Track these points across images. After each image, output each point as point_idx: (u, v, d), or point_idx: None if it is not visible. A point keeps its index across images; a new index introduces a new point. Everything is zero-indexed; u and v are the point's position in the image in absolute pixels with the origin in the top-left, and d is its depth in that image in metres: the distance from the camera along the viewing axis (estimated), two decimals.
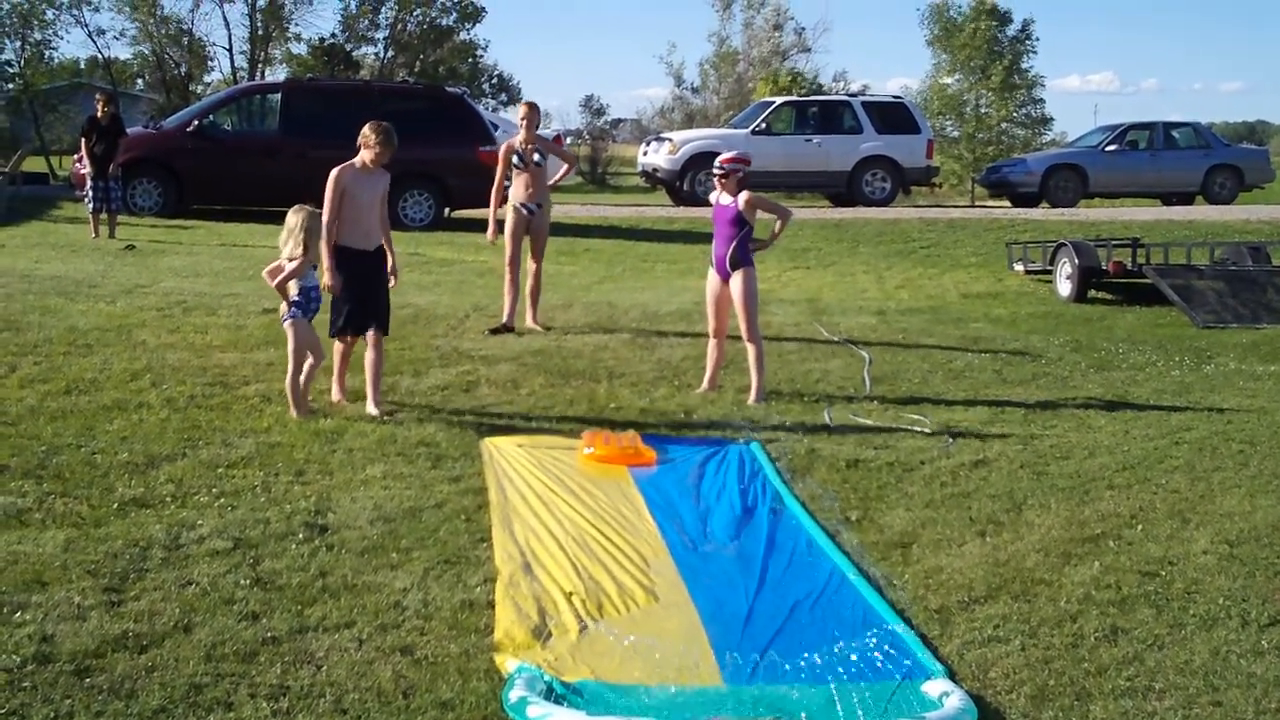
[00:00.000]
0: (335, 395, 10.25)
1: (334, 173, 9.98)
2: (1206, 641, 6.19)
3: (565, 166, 15.37)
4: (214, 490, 7.86)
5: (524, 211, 13.99)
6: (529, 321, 14.09)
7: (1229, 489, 8.86)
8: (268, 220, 19.39)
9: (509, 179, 14.03)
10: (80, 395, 9.88)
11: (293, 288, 9.59)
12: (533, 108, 14.36)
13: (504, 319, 13.91)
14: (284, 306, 9.66)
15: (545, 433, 9.75)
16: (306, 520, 7.43)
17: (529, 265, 14.15)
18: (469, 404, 10.48)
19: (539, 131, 14.19)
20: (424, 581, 6.62)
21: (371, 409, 9.80)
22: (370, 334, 9.98)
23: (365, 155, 10.04)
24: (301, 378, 9.69)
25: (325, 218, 9.74)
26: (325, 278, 9.78)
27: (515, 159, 13.92)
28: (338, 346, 10.24)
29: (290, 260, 9.54)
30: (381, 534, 7.28)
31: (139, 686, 5.26)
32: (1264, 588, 6.94)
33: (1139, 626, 6.35)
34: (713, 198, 11.40)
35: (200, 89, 58.28)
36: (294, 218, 9.65)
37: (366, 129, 10.06)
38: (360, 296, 9.97)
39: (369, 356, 9.94)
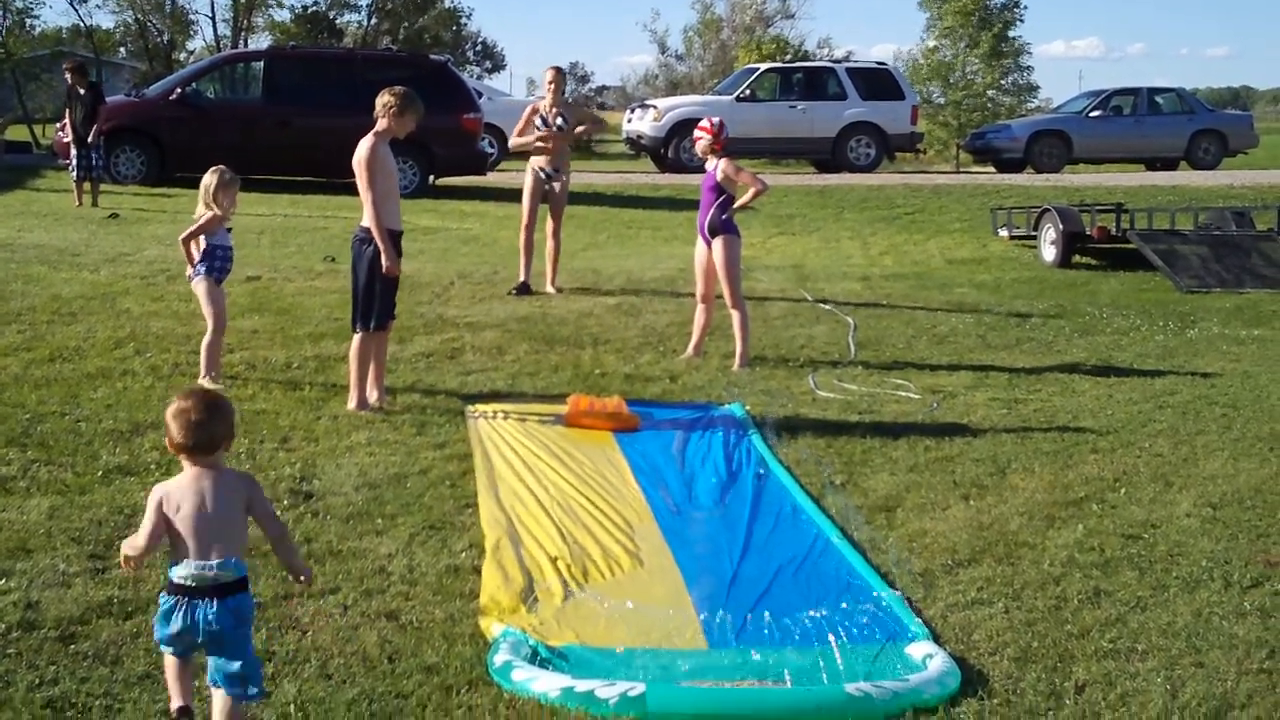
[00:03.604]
0: (374, 397, 9.25)
1: (368, 146, 8.98)
2: (1189, 603, 6.21)
3: (587, 127, 15.17)
4: None
5: (542, 175, 14.04)
6: (549, 286, 14.15)
7: (1212, 452, 8.89)
8: (251, 188, 19.32)
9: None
10: (64, 363, 9.86)
11: (201, 244, 9.42)
12: (559, 72, 14.38)
13: (521, 278, 14.08)
14: (189, 266, 9.53)
15: (530, 399, 9.75)
16: (291, 487, 7.42)
17: (547, 229, 14.24)
18: (454, 370, 10.48)
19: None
20: (409, 547, 6.62)
21: (376, 400, 9.29)
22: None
23: (390, 123, 9.06)
24: (220, 338, 9.55)
25: (370, 196, 8.92)
26: (388, 264, 8.95)
27: (539, 122, 13.94)
28: (376, 340, 9.24)
29: (199, 218, 9.35)
30: (366, 500, 7.28)
31: (124, 652, 5.26)
32: (1246, 550, 6.97)
33: (1122, 589, 6.38)
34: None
35: (183, 57, 57.94)
36: (209, 177, 9.40)
37: (385, 95, 9.07)
38: (397, 283, 9.31)
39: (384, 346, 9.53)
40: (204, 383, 9.11)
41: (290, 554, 4.81)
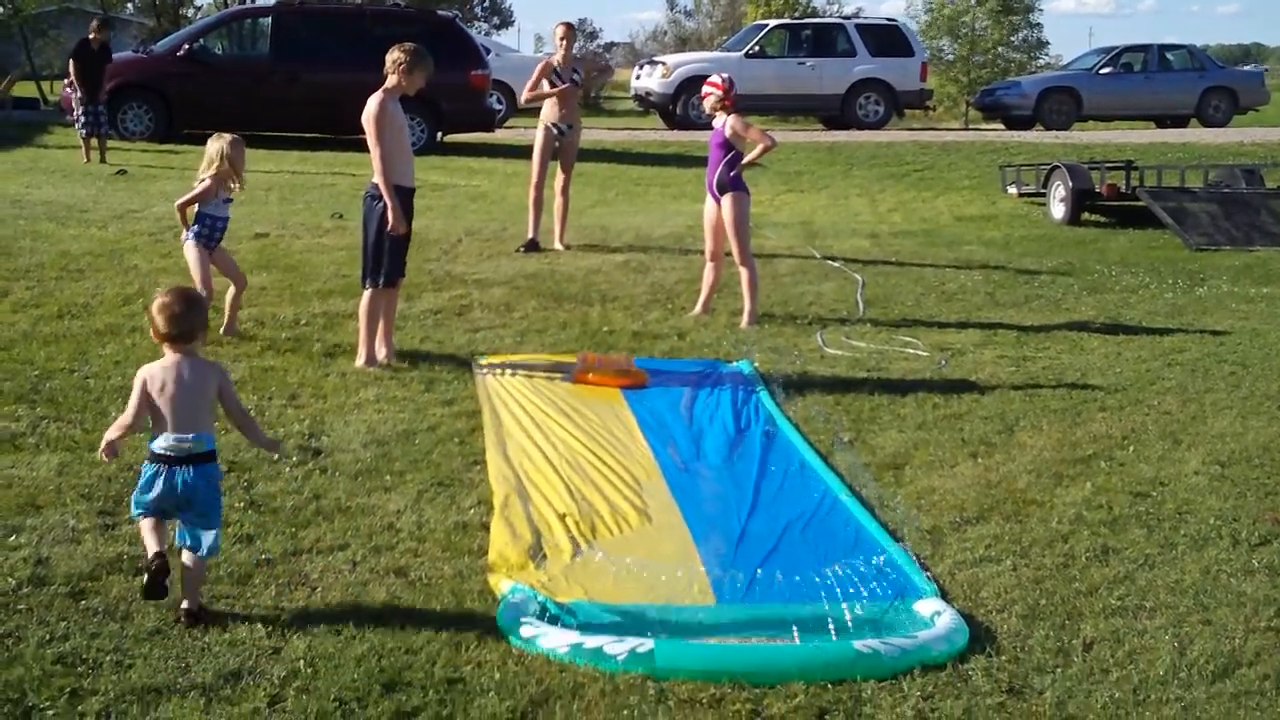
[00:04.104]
0: (382, 354, 9.27)
1: (377, 102, 8.94)
2: (1197, 561, 6.23)
3: (596, 75, 15.34)
4: None
5: (554, 131, 14.09)
6: (557, 243, 14.18)
7: (1221, 410, 8.89)
8: (259, 145, 19.32)
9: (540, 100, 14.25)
10: (73, 320, 9.86)
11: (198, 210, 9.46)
12: (570, 27, 14.41)
13: (530, 235, 14.10)
14: (184, 230, 9.55)
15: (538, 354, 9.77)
16: (300, 444, 7.43)
17: (557, 185, 14.26)
18: (462, 327, 10.48)
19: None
20: (418, 504, 6.64)
21: (384, 356, 9.29)
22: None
23: (400, 80, 8.97)
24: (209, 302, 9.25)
25: (379, 152, 8.84)
26: (394, 222, 8.91)
27: (552, 76, 13.93)
28: (385, 297, 9.27)
29: (199, 183, 9.36)
30: (375, 457, 7.29)
31: (134, 609, 5.27)
32: (1255, 508, 6.98)
33: (1130, 546, 6.39)
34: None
35: (191, 13, 57.68)
36: (214, 145, 9.37)
37: (395, 51, 8.99)
38: (408, 240, 9.33)
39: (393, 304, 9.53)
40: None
41: (256, 434, 5.68)
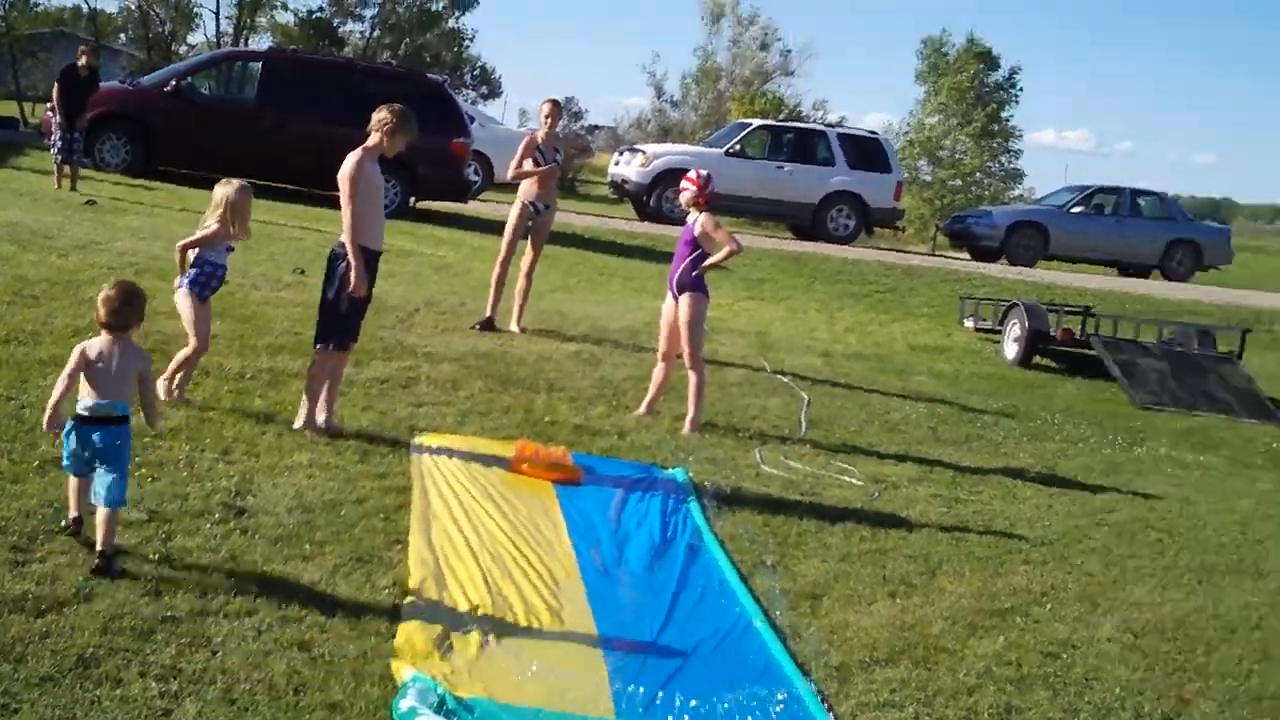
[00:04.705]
0: (321, 418, 9.13)
1: (354, 161, 8.88)
2: None
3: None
4: (137, 459, 7.76)
5: (531, 209, 14.14)
6: (513, 324, 14.22)
7: (1141, 577, 8.96)
8: None
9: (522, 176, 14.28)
10: (18, 346, 9.80)
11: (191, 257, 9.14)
12: (556, 105, 14.42)
13: (488, 313, 14.10)
14: (178, 275, 9.17)
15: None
16: (225, 500, 7.41)
17: (523, 264, 14.30)
18: (406, 400, 10.46)
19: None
20: (333, 577, 6.62)
21: (324, 421, 9.18)
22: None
23: (382, 140, 8.95)
24: (196, 359, 9.23)
25: (349, 211, 8.79)
26: (355, 284, 8.83)
27: (535, 154, 14.02)
28: (335, 360, 9.23)
29: (203, 229, 9.07)
30: (298, 523, 7.27)
31: (29, 651, 5.25)
32: (1162, 682, 7.03)
33: (1034, 707, 6.43)
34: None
35: (183, 50, 57.96)
36: (222, 190, 9.07)
37: (383, 111, 8.97)
38: (367, 304, 9.25)
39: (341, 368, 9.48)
40: (159, 386, 8.82)
41: (153, 411, 6.82)
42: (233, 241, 9.29)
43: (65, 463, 6.45)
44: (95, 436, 6.28)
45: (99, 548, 6.18)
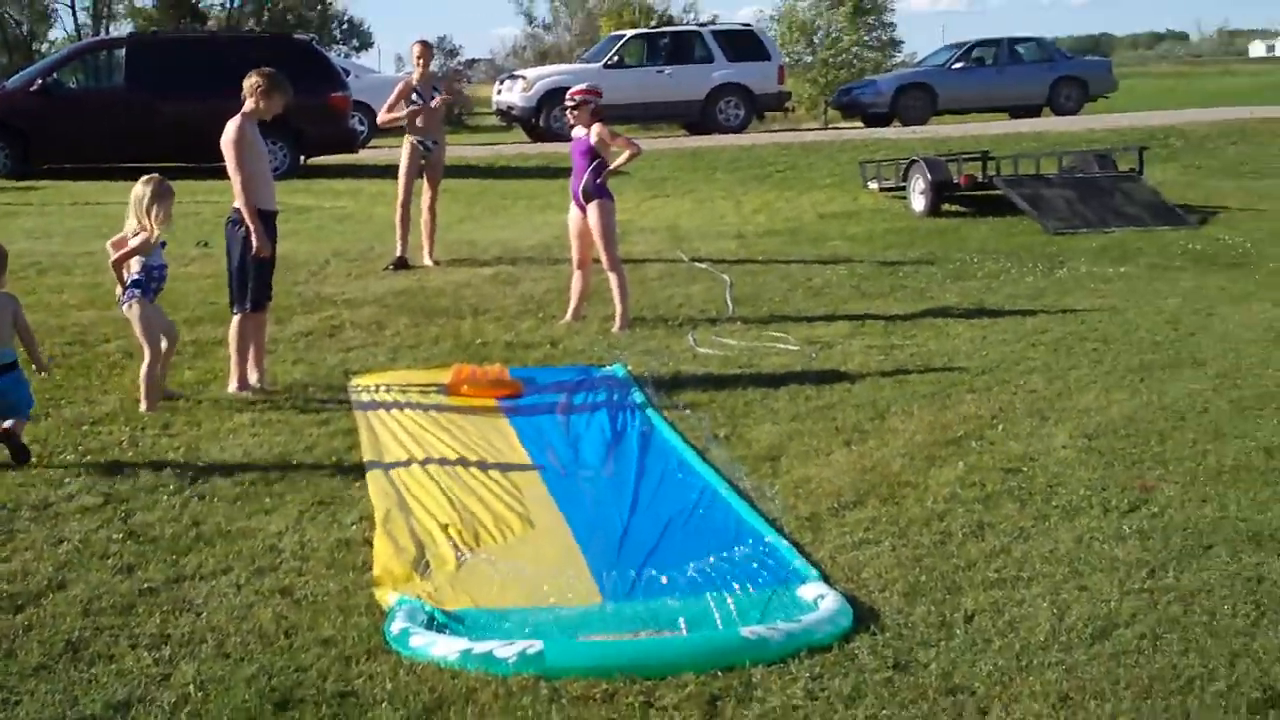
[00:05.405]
0: (254, 378, 9.19)
1: (235, 126, 8.92)
2: (1070, 530, 6.39)
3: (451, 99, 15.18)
4: (80, 448, 7.77)
5: (420, 147, 14.14)
6: (426, 259, 14.19)
7: (1085, 386, 9.10)
8: (120, 176, 19.03)
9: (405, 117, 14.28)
10: None
11: (134, 264, 8.61)
12: (426, 45, 14.53)
13: (398, 253, 14.14)
14: (119, 289, 8.71)
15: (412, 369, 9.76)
16: (176, 472, 7.36)
17: (424, 201, 14.30)
18: (334, 347, 10.44)
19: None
20: (299, 524, 6.62)
21: (257, 380, 9.20)
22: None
23: (258, 104, 8.98)
24: (159, 365, 8.77)
25: (240, 176, 8.81)
26: (258, 245, 8.82)
27: (413, 95, 13.96)
28: (254, 321, 9.17)
29: (135, 235, 8.58)
30: (253, 480, 7.25)
31: (17, 645, 5.22)
32: (1123, 476, 7.17)
33: (1004, 520, 6.54)
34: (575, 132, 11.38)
35: (44, 48, 56.87)
36: (141, 188, 8.60)
37: (253, 76, 8.99)
38: (273, 263, 9.26)
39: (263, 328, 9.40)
40: (142, 409, 8.61)
41: (36, 352, 7.83)
42: (163, 237, 8.82)
43: None
44: None
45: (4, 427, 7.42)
